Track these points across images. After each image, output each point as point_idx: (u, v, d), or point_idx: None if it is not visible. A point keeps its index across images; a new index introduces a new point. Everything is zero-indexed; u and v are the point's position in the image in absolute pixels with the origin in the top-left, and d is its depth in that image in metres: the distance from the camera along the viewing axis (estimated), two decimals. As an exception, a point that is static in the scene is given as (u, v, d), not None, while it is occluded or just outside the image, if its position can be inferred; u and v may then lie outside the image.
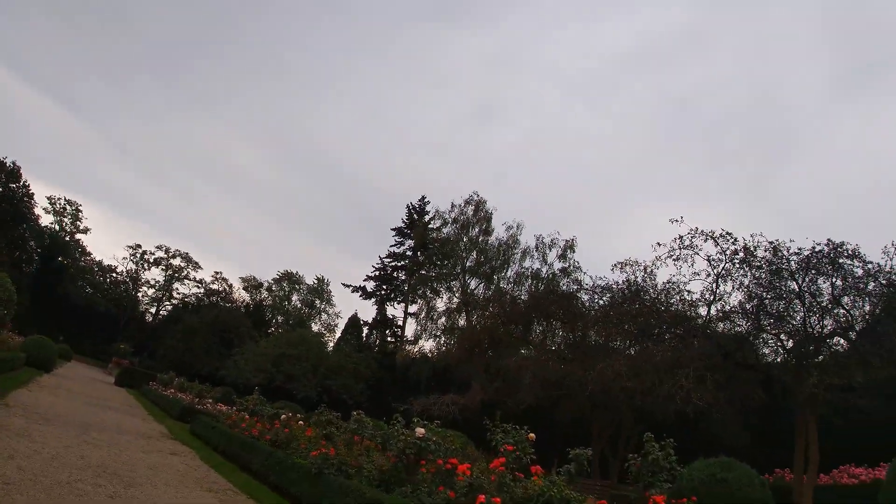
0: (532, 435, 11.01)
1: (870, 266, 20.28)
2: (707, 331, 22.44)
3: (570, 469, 10.69)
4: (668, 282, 23.46)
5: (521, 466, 9.71)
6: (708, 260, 22.58)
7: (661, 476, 10.04)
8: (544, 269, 43.93)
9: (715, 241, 22.11)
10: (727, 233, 22.05)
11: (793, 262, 20.84)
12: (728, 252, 22.03)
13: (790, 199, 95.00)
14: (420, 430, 10.88)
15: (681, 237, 22.56)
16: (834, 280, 20.60)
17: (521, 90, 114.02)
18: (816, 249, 20.51)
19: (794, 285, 21.14)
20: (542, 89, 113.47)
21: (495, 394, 29.54)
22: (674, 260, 22.79)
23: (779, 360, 23.18)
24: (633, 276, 26.98)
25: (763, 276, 21.65)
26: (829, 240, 20.50)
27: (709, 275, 22.66)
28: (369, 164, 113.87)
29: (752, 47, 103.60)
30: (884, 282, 20.32)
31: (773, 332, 22.38)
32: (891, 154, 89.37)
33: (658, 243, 22.95)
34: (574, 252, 43.56)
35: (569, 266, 42.69)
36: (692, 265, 22.73)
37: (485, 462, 11.55)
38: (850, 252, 20.32)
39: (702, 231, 22.27)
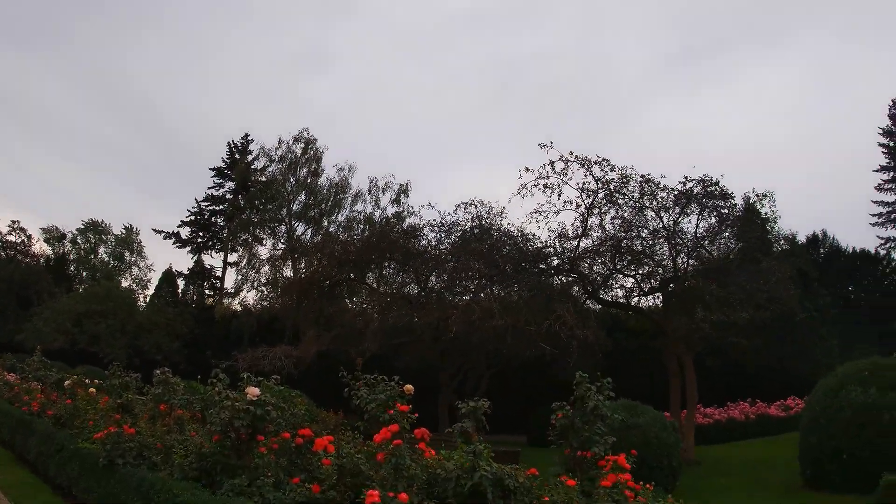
0: (409, 387, 8.20)
1: (737, 206, 19.69)
2: (576, 266, 20.68)
3: (466, 427, 8.03)
4: (536, 211, 21.15)
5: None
6: (581, 189, 20.58)
7: (599, 428, 7.62)
8: (377, 214, 41.77)
9: (588, 168, 20.07)
10: (604, 159, 20.14)
11: (660, 198, 19.64)
12: (602, 181, 20.14)
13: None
14: (253, 391, 7.58)
15: (552, 163, 20.30)
16: (702, 219, 19.80)
17: (352, 38, 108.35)
18: (688, 186, 19.43)
19: (660, 224, 20.02)
20: (374, 40, 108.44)
21: (333, 343, 26.33)
22: (542, 188, 20.55)
23: (638, 298, 22.29)
24: (479, 214, 24.95)
25: (627, 214, 20.31)
26: (704, 175, 19.53)
27: (579, 206, 20.72)
28: (188, 105, 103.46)
29: (584, 20, 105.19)
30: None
31: (632, 273, 21.34)
32: (704, 134, 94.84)
33: (526, 168, 20.53)
34: (408, 196, 41.97)
35: (403, 210, 40.76)
36: (560, 196, 20.68)
37: (349, 430, 8.52)
38: (720, 192, 19.44)
39: (577, 156, 20.14)
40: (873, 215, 48.12)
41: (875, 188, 47.96)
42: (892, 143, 47.19)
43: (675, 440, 13.94)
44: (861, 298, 47.02)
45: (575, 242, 20.89)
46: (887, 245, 47.94)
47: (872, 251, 47.59)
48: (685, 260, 20.00)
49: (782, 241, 21.18)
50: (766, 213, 20.31)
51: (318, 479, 5.71)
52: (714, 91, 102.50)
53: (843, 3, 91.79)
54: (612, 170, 19.95)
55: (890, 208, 47.58)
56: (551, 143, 20.03)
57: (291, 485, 5.85)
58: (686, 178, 19.50)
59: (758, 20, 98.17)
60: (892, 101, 47.31)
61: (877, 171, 47.91)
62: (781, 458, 19.25)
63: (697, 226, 20.32)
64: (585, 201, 20.41)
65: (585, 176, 20.15)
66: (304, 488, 5.76)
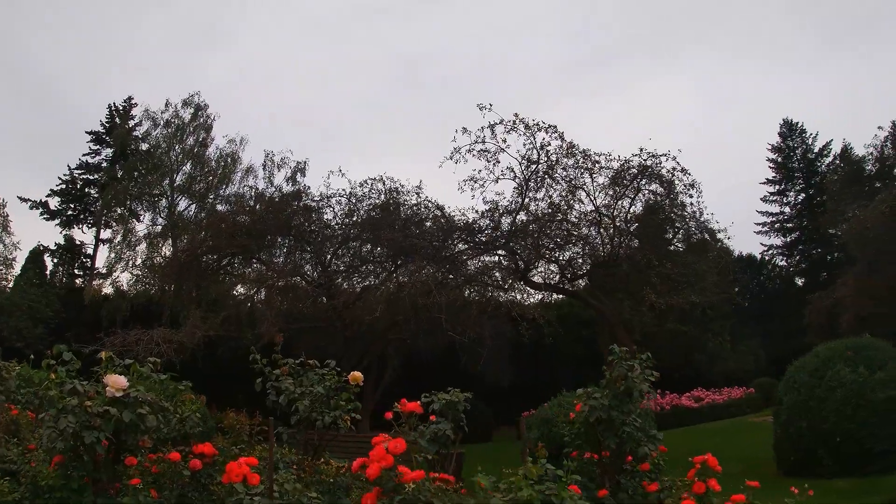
0: (357, 374, 5.97)
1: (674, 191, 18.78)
2: (509, 243, 18.88)
3: (443, 430, 5.78)
4: (471, 178, 19.08)
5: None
6: (522, 158, 18.69)
7: (635, 420, 5.68)
8: (271, 191, 38.27)
9: (533, 134, 18.21)
10: (551, 125, 18.37)
11: (601, 177, 18.44)
12: (544, 150, 18.38)
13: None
14: (117, 381, 4.90)
15: (492, 125, 18.33)
16: (633, 203, 18.85)
17: (250, 19, 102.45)
18: (629, 165, 18.20)
19: (591, 206, 18.95)
20: (274, 22, 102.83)
21: (223, 327, 22.95)
22: (476, 154, 18.55)
23: (560, 285, 20.91)
24: (391, 189, 22.73)
25: (556, 196, 19.01)
26: (651, 153, 18.41)
27: (515, 177, 18.86)
28: (70, 69, 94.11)
29: (488, 15, 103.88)
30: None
31: (556, 258, 20.01)
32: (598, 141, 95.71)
33: (464, 128, 18.52)
34: (305, 176, 38.26)
35: (300, 190, 37.68)
36: (497, 164, 18.76)
37: (280, 446, 6.07)
38: (657, 174, 18.49)
39: (522, 119, 18.25)
40: (758, 224, 51.33)
41: (761, 199, 51.26)
42: (779, 159, 50.42)
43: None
44: (745, 299, 50.13)
45: (511, 217, 19.12)
46: (770, 252, 51.78)
47: (757, 257, 51.43)
48: (621, 241, 18.78)
49: (706, 234, 20.31)
50: (691, 203, 19.53)
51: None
52: (610, 98, 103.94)
53: (732, 26, 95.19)
54: (558, 138, 18.31)
55: (774, 218, 50.87)
56: (490, 105, 18.19)
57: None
58: (641, 149, 18.49)
59: (650, 35, 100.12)
60: (784, 120, 50.70)
61: (763, 183, 51.13)
62: (717, 448, 18.25)
63: (629, 210, 19.34)
64: (525, 172, 18.62)
65: (526, 144, 18.46)
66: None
